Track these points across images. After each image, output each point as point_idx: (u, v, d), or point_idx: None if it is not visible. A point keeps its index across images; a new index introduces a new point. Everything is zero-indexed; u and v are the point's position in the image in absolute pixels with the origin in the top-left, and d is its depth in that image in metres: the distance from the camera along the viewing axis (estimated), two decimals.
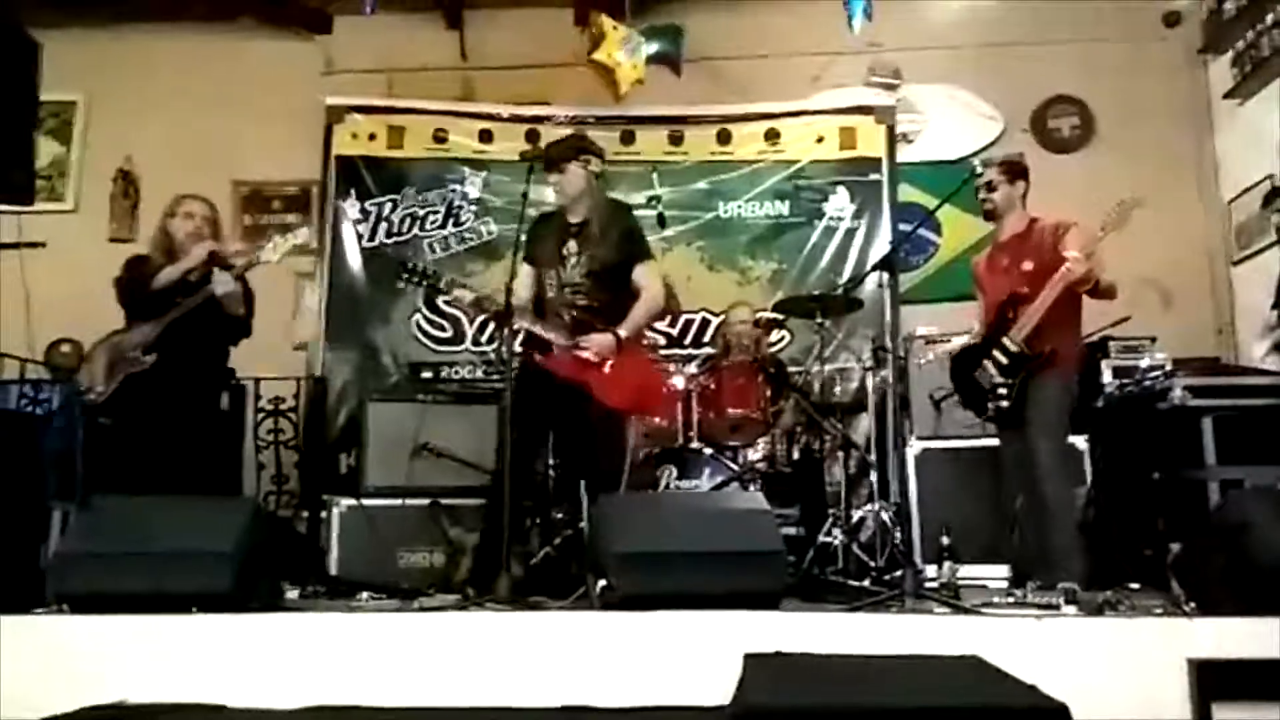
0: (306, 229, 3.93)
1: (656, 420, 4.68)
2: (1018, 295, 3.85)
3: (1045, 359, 3.78)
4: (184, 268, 3.87)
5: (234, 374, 4.24)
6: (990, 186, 4.01)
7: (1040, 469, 3.76)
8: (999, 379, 3.84)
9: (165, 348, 3.83)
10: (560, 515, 3.99)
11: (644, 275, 3.93)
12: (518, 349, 3.77)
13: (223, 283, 3.83)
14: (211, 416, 3.94)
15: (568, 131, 5.12)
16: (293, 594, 3.58)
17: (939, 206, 4.60)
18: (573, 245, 3.86)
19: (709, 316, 5.90)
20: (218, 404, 4.03)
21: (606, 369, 3.76)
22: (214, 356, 4.03)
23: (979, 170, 4.07)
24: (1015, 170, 4.04)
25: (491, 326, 5.60)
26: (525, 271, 3.89)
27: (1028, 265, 3.89)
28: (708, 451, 4.56)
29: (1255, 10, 5.53)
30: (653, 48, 5.64)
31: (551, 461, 4.28)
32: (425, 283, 3.97)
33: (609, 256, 3.84)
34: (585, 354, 3.75)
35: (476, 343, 5.89)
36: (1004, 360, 3.82)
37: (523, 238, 3.82)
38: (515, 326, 3.71)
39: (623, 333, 3.78)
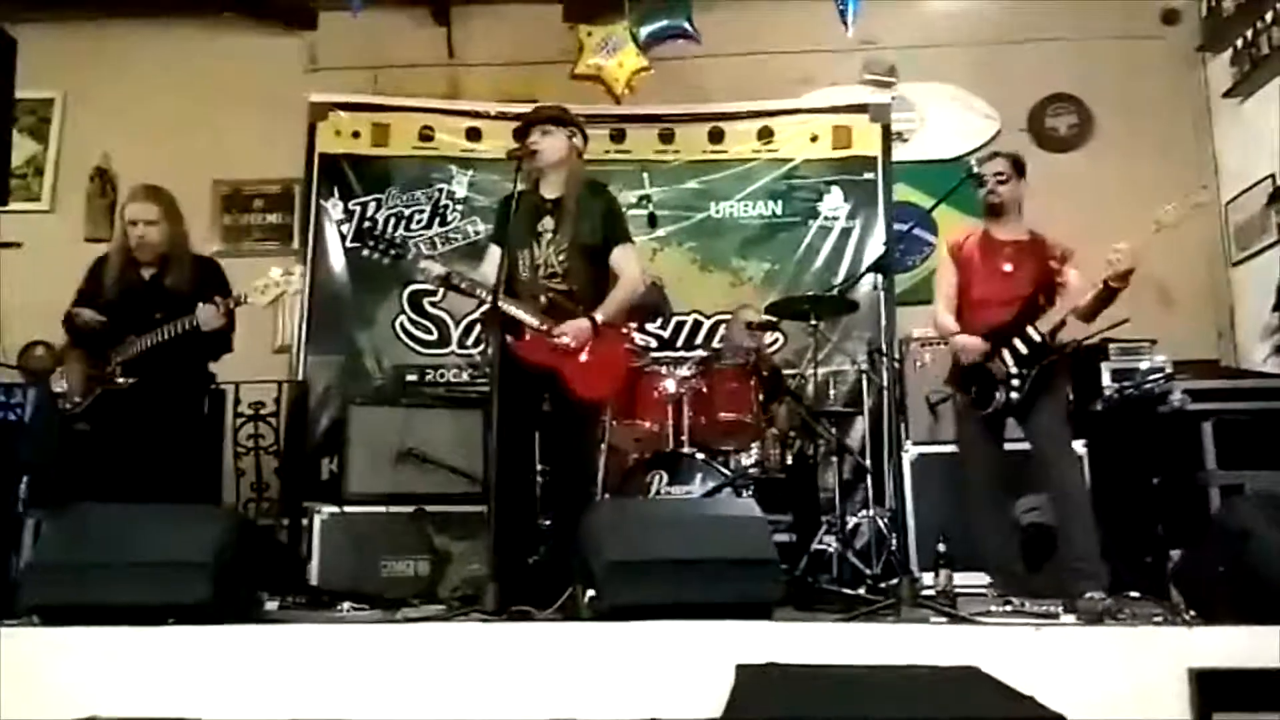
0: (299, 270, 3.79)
1: (642, 422, 4.59)
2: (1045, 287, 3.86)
3: (1066, 353, 3.76)
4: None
5: (214, 379, 4.15)
6: (1001, 178, 3.97)
7: (1062, 477, 3.79)
8: (1015, 369, 3.81)
9: (143, 364, 3.73)
10: (549, 522, 3.92)
11: (623, 258, 3.76)
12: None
13: (207, 320, 3.69)
14: (190, 422, 3.85)
15: None
16: (272, 605, 3.52)
17: (935, 206, 4.54)
18: (548, 222, 3.68)
19: (700, 319, 5.83)
20: (196, 410, 3.94)
21: (582, 357, 3.59)
22: (194, 370, 3.94)
23: (975, 169, 4.03)
24: (1021, 167, 4.06)
25: (478, 329, 5.53)
26: (494, 253, 3.74)
27: (1024, 274, 3.92)
28: (699, 457, 4.48)
29: (1254, 7, 5.49)
30: (652, 27, 5.52)
31: (540, 467, 4.21)
32: (391, 251, 3.79)
33: (588, 237, 3.68)
34: (562, 340, 3.56)
35: (463, 345, 5.80)
36: (1024, 350, 3.81)
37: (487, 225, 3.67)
38: (493, 305, 3.49)
39: (599, 317, 3.61)
